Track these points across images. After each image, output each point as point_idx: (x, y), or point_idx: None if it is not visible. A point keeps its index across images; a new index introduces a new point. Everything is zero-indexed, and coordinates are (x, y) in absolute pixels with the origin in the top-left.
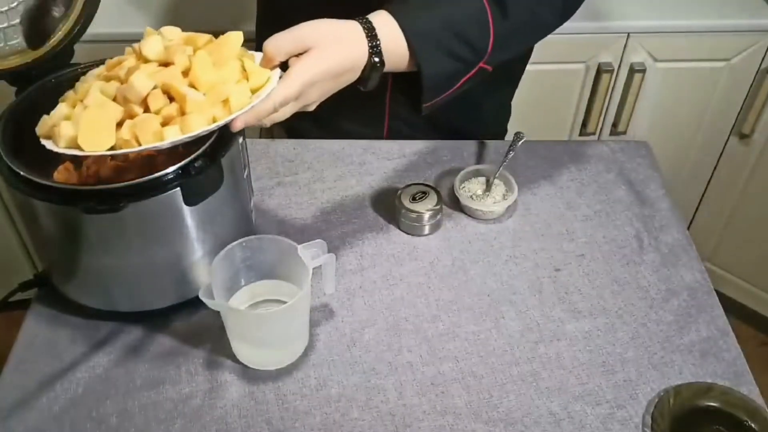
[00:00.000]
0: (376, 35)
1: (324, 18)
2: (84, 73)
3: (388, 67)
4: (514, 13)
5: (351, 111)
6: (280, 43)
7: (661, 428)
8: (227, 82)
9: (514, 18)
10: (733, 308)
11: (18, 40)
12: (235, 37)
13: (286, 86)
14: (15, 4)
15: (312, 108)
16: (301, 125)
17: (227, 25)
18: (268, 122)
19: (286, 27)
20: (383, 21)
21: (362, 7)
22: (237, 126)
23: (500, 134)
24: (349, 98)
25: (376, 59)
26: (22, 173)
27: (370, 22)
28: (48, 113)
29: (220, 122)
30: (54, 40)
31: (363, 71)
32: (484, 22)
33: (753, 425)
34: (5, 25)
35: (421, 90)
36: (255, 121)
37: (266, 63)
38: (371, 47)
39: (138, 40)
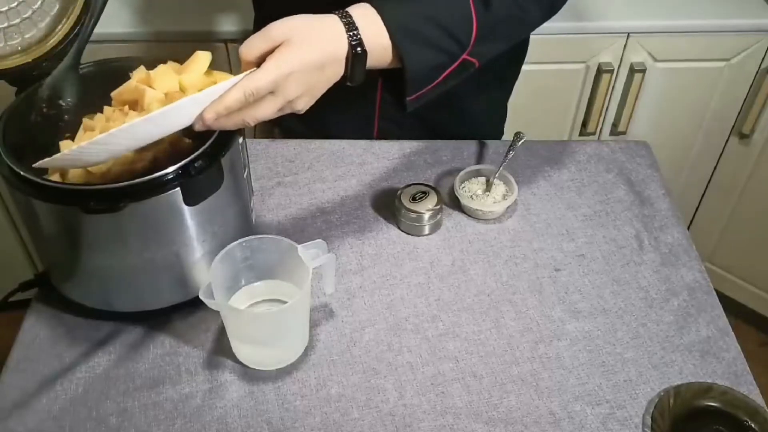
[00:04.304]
0: (354, 24)
1: None
2: (84, 73)
3: (372, 61)
4: (497, 4)
5: (341, 111)
6: (252, 42)
7: (661, 428)
8: (188, 89)
9: (497, 10)
10: (733, 308)
11: (18, 40)
12: (203, 57)
13: (257, 77)
14: (15, 4)
15: (300, 106)
16: (289, 123)
17: (227, 27)
18: (249, 119)
19: None
20: (363, 13)
21: None
22: (207, 117)
23: (495, 137)
24: (339, 98)
25: (358, 49)
26: (22, 173)
27: (348, 14)
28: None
29: (184, 100)
30: (54, 40)
31: (346, 63)
32: (467, 13)
33: (753, 425)
34: (5, 25)
35: (404, 82)
36: (225, 110)
37: (244, 67)
38: (350, 36)
39: (138, 41)
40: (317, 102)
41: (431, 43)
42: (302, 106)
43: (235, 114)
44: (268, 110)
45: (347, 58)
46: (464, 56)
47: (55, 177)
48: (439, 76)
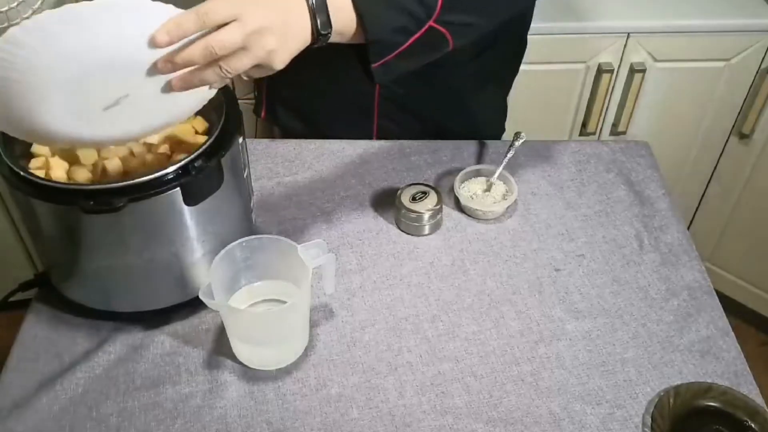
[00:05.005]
0: None
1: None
2: None
3: (336, 25)
4: None
5: (339, 109)
6: None
7: (661, 428)
8: None
9: None
10: (733, 308)
11: None
12: None
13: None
14: (15, 4)
15: (271, 45)
16: (289, 123)
17: None
18: (214, 44)
19: None
20: None
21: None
22: (160, 39)
23: (496, 136)
24: (336, 94)
25: None
26: (22, 173)
27: None
28: None
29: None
30: None
31: (310, 13)
32: None
33: (753, 425)
34: (5, 25)
35: (366, 45)
36: (178, 30)
37: None
38: None
39: None
40: (316, 100)
41: (393, 3)
42: (273, 46)
43: (197, 43)
44: (232, 36)
45: (309, 10)
46: (431, 23)
47: (58, 177)
48: (404, 42)
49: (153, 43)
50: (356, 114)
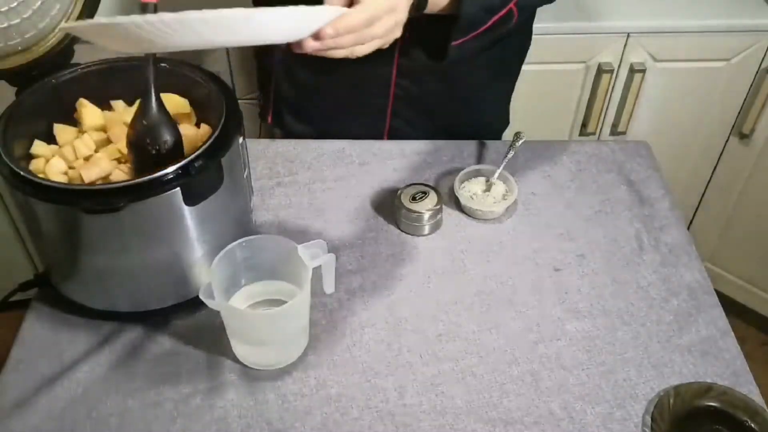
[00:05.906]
0: None
1: None
2: (84, 73)
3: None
4: None
5: (353, 112)
6: None
7: (660, 428)
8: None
9: None
10: (733, 308)
11: (18, 40)
12: None
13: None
14: (15, 4)
15: (394, 34)
16: (296, 127)
17: None
18: (368, 40)
19: None
20: None
21: None
22: (328, 32)
23: (501, 129)
24: (353, 99)
25: None
26: (22, 173)
27: None
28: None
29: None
30: (54, 40)
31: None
32: None
33: (753, 425)
34: (5, 25)
35: (456, 23)
36: (342, 30)
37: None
38: None
39: None
40: (329, 104)
41: None
42: (398, 33)
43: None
44: (372, 37)
45: None
46: (511, 5)
47: (59, 178)
48: (488, 21)
49: (314, 37)
50: (369, 116)
